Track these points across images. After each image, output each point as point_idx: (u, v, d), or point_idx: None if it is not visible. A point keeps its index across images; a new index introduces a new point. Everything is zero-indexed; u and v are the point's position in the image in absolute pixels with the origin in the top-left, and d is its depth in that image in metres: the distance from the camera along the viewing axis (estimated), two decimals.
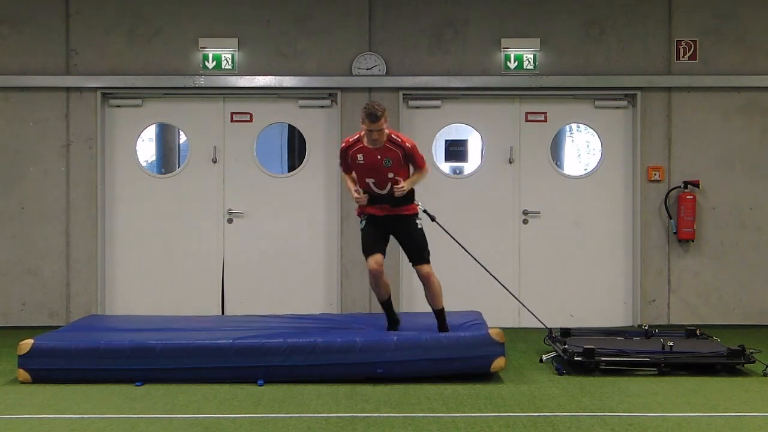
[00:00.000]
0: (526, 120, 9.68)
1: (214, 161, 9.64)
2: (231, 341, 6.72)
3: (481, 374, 6.75)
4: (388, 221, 7.03)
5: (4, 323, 9.44)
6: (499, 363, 6.72)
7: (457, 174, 9.91)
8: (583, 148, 10.48)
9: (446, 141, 9.90)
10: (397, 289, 9.45)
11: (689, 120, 9.55)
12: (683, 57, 9.55)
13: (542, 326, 7.88)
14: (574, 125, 10.14)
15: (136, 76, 9.47)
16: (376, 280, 7.03)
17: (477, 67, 9.55)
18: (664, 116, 9.55)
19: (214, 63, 9.50)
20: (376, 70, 9.47)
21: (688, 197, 9.43)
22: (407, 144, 6.96)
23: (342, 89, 9.47)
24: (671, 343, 7.18)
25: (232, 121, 9.67)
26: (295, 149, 9.93)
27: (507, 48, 9.52)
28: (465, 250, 7.75)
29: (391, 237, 7.14)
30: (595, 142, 9.84)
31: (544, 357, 7.47)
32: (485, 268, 7.80)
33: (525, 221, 9.65)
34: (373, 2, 9.53)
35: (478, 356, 6.69)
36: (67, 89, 9.45)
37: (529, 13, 9.55)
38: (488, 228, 9.61)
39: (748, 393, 6.40)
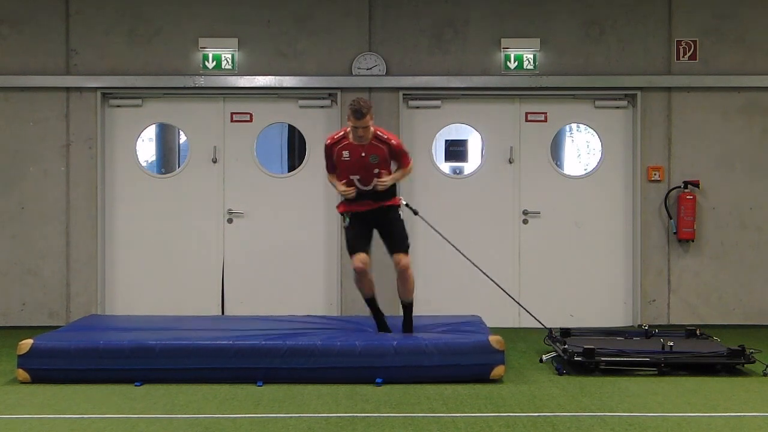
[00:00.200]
0: (526, 120, 9.68)
1: (214, 161, 9.64)
2: (231, 342, 6.71)
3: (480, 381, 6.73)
4: (372, 215, 7.05)
5: (4, 323, 9.44)
6: (498, 371, 6.70)
7: (457, 174, 9.91)
8: (583, 148, 10.48)
9: (446, 141, 9.90)
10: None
11: (689, 120, 9.55)
12: (683, 57, 9.55)
13: (542, 326, 7.87)
14: (574, 125, 10.14)
15: (136, 76, 9.47)
16: (361, 278, 7.07)
17: (477, 67, 9.55)
18: (664, 116, 9.55)
19: (214, 63, 9.50)
20: (376, 70, 9.47)
21: (688, 197, 9.43)
22: (393, 141, 7.00)
23: (342, 89, 9.47)
24: (671, 343, 7.18)
25: (232, 121, 9.67)
26: (295, 149, 9.93)
27: (507, 48, 9.52)
28: (454, 247, 7.76)
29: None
30: (595, 142, 9.84)
31: (544, 357, 7.47)
32: (477, 266, 7.79)
33: (525, 221, 9.64)
34: (373, 2, 9.53)
35: (478, 364, 6.67)
36: (67, 89, 9.45)
37: (529, 13, 9.55)
38: (488, 228, 9.61)
39: (748, 393, 6.40)
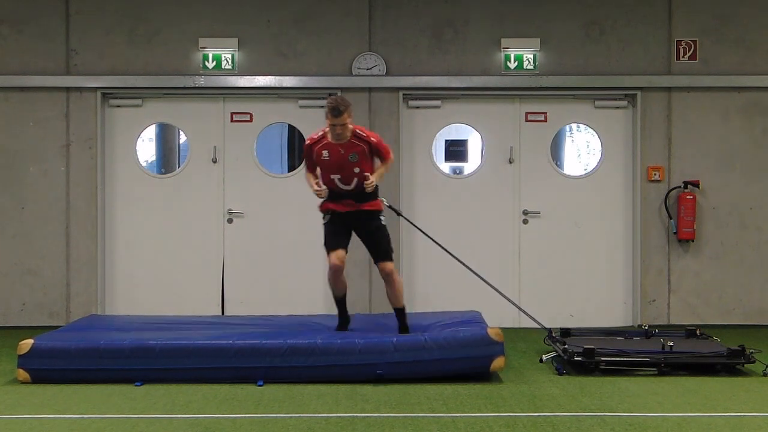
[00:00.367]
0: (526, 120, 9.68)
1: (214, 161, 9.64)
2: (231, 342, 6.71)
3: (481, 374, 6.74)
4: (352, 218, 7.01)
5: (4, 323, 9.44)
6: (498, 363, 6.71)
7: (457, 174, 9.91)
8: (583, 148, 10.48)
9: (446, 141, 9.90)
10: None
11: (689, 120, 9.55)
12: (683, 57, 9.55)
13: (540, 326, 7.86)
14: (574, 125, 10.14)
15: (136, 76, 9.47)
16: (336, 275, 7.03)
17: (477, 67, 9.55)
18: (664, 116, 9.55)
19: (214, 63, 9.50)
20: (376, 70, 9.47)
21: (688, 197, 9.43)
22: (372, 138, 6.98)
23: (342, 89, 9.47)
24: (671, 343, 7.18)
25: (232, 121, 9.67)
26: (295, 149, 9.92)
27: (507, 48, 9.52)
28: (442, 248, 7.81)
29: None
30: (595, 142, 9.84)
31: (544, 357, 7.47)
32: (468, 267, 7.80)
33: (525, 221, 9.64)
34: (373, 2, 9.53)
35: (478, 356, 6.67)
36: (67, 89, 9.45)
37: (529, 13, 9.55)
38: (488, 228, 9.61)
39: (748, 393, 6.40)
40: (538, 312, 8.14)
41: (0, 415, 5.77)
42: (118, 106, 9.63)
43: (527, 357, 7.70)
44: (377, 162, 7.07)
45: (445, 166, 9.89)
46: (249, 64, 9.52)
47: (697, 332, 7.90)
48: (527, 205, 9.65)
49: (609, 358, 6.99)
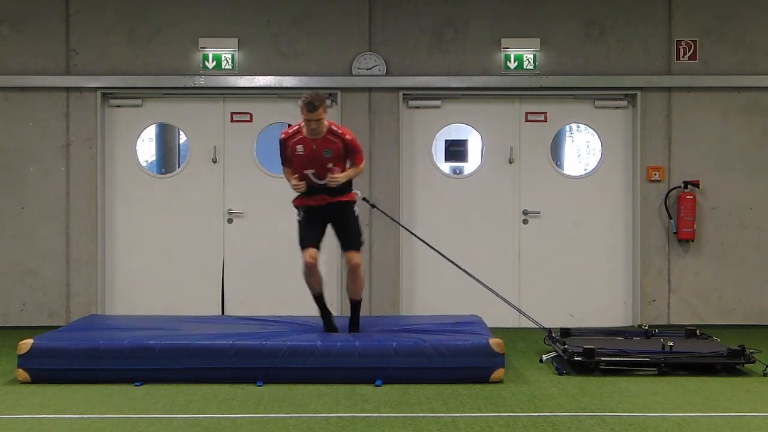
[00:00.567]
0: (526, 120, 9.68)
1: (214, 161, 9.64)
2: (231, 342, 6.71)
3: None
4: (326, 210, 7.05)
5: (4, 323, 9.44)
6: (498, 374, 6.67)
7: (457, 174, 9.91)
8: (583, 148, 10.49)
9: (446, 141, 9.90)
10: (396, 290, 9.46)
11: (689, 120, 9.55)
12: (683, 57, 9.55)
13: (539, 326, 7.86)
14: (574, 125, 10.14)
15: (136, 76, 9.47)
16: (311, 272, 7.06)
17: (477, 67, 9.55)
18: (664, 116, 9.55)
19: (214, 63, 9.50)
20: (376, 70, 9.47)
21: (688, 197, 9.43)
22: (347, 136, 6.99)
23: (342, 89, 9.48)
24: (671, 343, 7.18)
25: (232, 121, 9.67)
26: None
27: (507, 48, 9.52)
28: (434, 249, 7.84)
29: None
30: (595, 142, 9.85)
31: (544, 357, 7.47)
32: (461, 268, 7.82)
33: (525, 221, 9.64)
34: (373, 2, 9.53)
35: (478, 366, 6.65)
36: (67, 89, 9.45)
37: (529, 13, 9.55)
38: (488, 228, 9.61)
39: (748, 393, 6.40)
40: (538, 312, 8.14)
41: (0, 415, 5.77)
42: (118, 106, 9.63)
43: (527, 357, 7.70)
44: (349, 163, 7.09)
45: (445, 166, 9.89)
46: (249, 64, 9.52)
47: (697, 332, 7.90)
48: (527, 205, 9.65)
49: (609, 358, 6.99)
